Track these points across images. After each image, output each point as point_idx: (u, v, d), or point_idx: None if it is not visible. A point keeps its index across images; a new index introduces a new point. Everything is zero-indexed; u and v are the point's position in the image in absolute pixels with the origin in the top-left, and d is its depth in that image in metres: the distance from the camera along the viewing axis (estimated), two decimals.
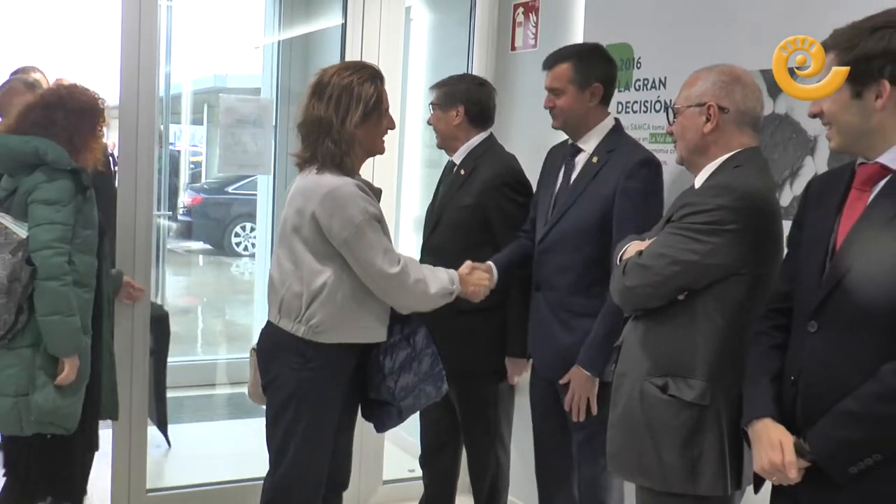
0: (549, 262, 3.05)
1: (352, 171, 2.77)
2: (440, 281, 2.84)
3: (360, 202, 2.68)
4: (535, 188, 3.33)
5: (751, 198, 2.23)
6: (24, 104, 3.11)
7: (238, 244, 10.93)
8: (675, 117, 2.43)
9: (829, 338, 1.91)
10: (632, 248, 2.42)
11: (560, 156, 3.14)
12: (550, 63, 3.05)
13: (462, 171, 3.39)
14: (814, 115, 1.97)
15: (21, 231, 2.94)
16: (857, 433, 1.83)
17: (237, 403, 5.82)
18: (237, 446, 4.91)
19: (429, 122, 3.51)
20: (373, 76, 2.79)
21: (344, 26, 3.94)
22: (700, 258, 2.23)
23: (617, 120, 3.08)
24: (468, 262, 3.02)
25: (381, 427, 3.00)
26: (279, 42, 5.92)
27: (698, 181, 2.37)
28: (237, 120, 3.94)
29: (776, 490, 2.04)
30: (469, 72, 4.24)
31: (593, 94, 2.99)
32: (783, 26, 2.80)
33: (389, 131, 2.90)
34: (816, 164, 2.72)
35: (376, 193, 2.84)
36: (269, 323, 2.86)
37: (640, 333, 2.39)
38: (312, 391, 2.76)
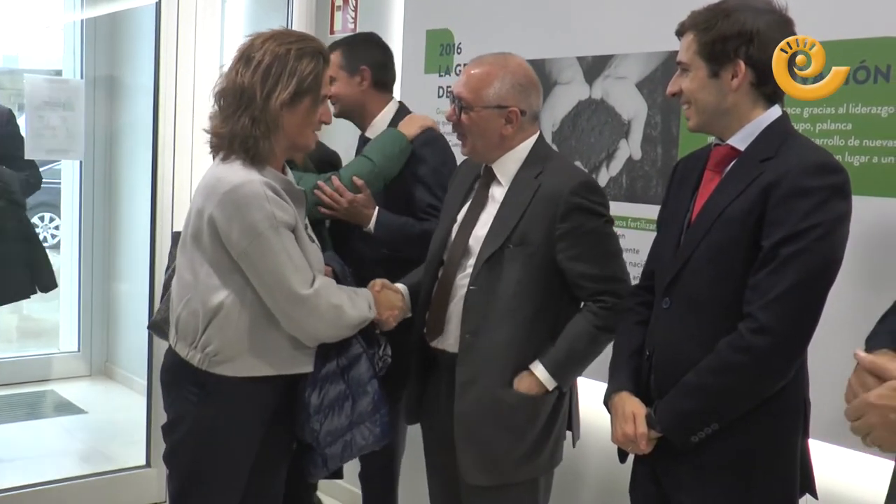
0: None
1: (266, 159, 2.26)
2: (359, 308, 2.36)
3: (265, 205, 2.18)
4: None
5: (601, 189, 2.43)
6: None
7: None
8: (463, 110, 2.38)
9: (679, 314, 2.01)
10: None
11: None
12: None
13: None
14: (673, 95, 2.05)
15: None
16: (697, 404, 1.93)
17: (35, 403, 5.47)
18: (35, 449, 4.66)
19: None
20: (316, 52, 2.29)
21: (158, 6, 3.79)
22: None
23: (401, 103, 3.06)
24: (378, 281, 2.56)
25: (308, 474, 2.47)
26: (82, 21, 5.63)
27: (505, 173, 2.41)
28: (45, 102, 3.74)
29: (637, 458, 2.14)
30: None
31: (363, 78, 2.95)
32: (598, 14, 2.93)
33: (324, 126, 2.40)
34: (631, 147, 2.86)
35: (297, 196, 2.34)
36: (169, 346, 2.41)
37: (503, 337, 2.34)
38: (214, 431, 2.30)
